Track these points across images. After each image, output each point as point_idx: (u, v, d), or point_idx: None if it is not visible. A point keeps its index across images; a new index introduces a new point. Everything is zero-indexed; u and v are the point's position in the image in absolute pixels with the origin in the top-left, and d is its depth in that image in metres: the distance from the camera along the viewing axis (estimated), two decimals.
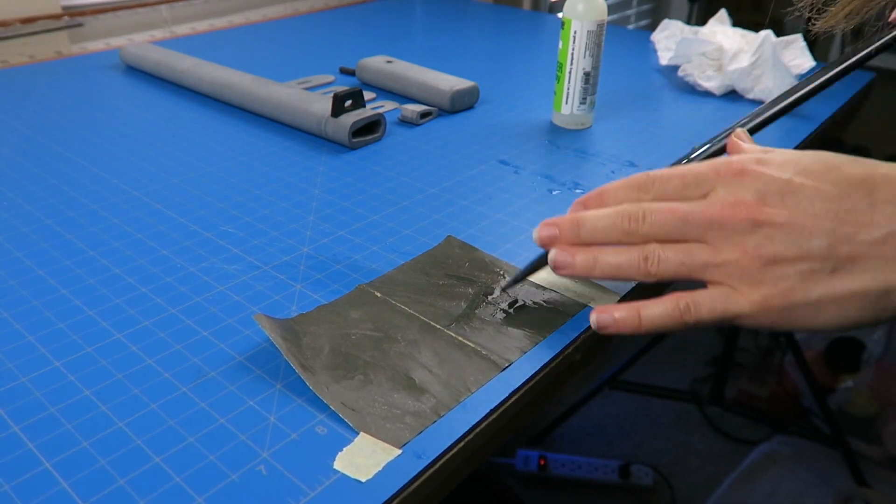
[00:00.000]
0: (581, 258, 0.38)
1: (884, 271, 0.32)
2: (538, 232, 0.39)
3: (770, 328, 0.35)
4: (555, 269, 0.39)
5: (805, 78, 0.50)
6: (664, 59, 0.89)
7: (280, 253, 0.49)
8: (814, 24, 0.38)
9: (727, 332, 1.44)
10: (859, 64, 0.49)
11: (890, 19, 0.52)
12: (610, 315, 0.37)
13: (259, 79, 0.74)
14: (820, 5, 0.36)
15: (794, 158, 0.35)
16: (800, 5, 0.36)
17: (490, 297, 0.44)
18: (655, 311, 0.36)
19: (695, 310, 0.35)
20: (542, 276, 0.45)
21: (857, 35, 0.56)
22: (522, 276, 0.44)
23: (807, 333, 1.53)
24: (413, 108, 0.71)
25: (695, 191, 0.36)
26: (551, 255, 0.39)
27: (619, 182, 0.39)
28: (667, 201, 0.37)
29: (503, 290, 0.44)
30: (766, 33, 0.76)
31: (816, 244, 0.33)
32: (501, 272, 0.46)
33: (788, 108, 0.48)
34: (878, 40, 0.48)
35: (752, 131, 0.46)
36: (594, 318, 0.37)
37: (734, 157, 0.36)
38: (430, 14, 1.16)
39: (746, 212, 0.34)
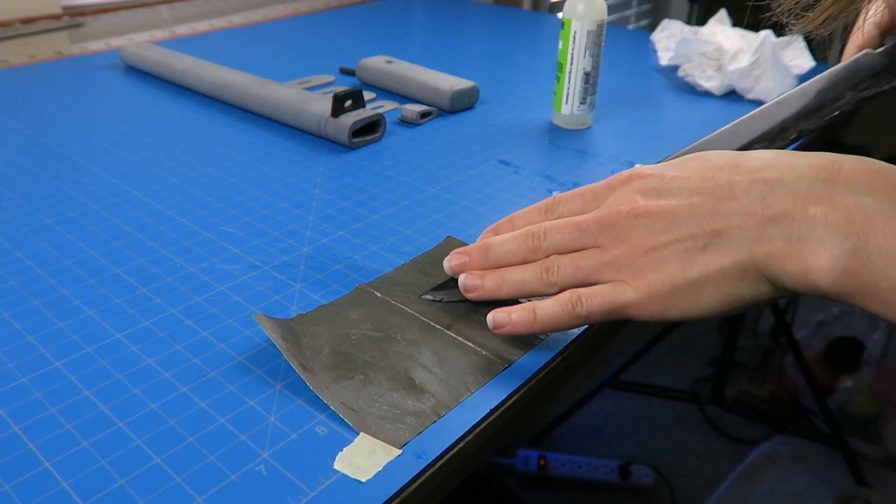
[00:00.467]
0: (489, 279, 0.41)
1: (747, 241, 0.33)
2: (449, 262, 0.42)
3: (658, 316, 0.36)
4: (465, 291, 0.41)
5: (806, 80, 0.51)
6: (664, 59, 0.89)
7: (280, 253, 0.49)
8: (791, 29, 0.39)
9: (727, 331, 1.44)
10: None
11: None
12: (507, 315, 0.39)
13: (259, 79, 0.74)
14: (798, 10, 0.37)
15: (675, 161, 0.39)
16: (777, 10, 0.37)
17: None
18: (549, 307, 0.38)
19: (586, 302, 0.37)
20: None
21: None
22: (434, 295, 0.43)
23: (807, 333, 1.54)
24: (413, 108, 0.71)
25: (593, 203, 0.40)
26: (461, 280, 0.41)
27: (528, 207, 0.43)
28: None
29: (422, 297, 0.43)
30: (766, 33, 0.76)
31: (686, 226, 0.35)
32: None
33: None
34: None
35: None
36: (490, 318, 0.39)
37: (625, 170, 0.40)
38: (430, 14, 1.16)
39: (628, 209, 0.37)
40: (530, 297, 0.41)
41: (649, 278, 0.36)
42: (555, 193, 0.42)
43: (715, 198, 0.35)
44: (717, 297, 0.35)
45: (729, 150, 0.38)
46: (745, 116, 0.49)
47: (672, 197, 0.36)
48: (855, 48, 0.58)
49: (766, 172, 0.34)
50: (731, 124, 0.48)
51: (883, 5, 0.56)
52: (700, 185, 0.36)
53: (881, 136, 1.93)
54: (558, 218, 0.40)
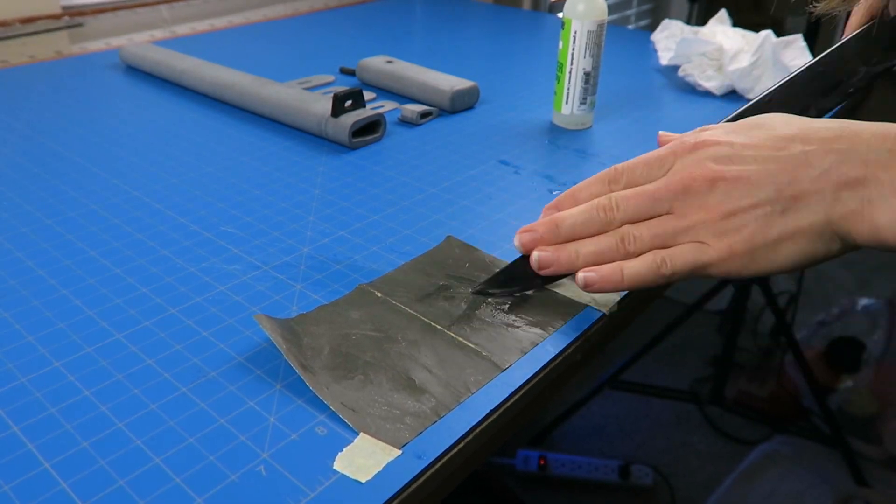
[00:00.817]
0: (564, 253, 0.41)
1: (824, 205, 0.36)
2: (519, 238, 0.43)
3: (737, 273, 0.38)
4: (540, 268, 0.42)
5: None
6: (664, 59, 0.89)
7: (280, 253, 0.49)
8: (815, 7, 0.40)
9: (727, 331, 1.44)
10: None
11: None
12: (596, 273, 0.40)
13: (259, 79, 0.74)
14: None
15: (735, 127, 0.40)
16: None
17: (465, 292, 0.43)
18: (636, 266, 0.39)
19: (671, 262, 0.39)
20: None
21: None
22: (504, 282, 0.44)
23: (807, 333, 1.53)
24: (413, 108, 0.71)
25: (658, 172, 0.40)
26: (534, 256, 0.42)
27: (588, 179, 0.43)
28: (635, 186, 0.41)
29: (485, 292, 0.43)
30: (766, 33, 0.76)
31: (766, 191, 0.37)
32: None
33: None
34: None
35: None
36: (580, 276, 0.40)
37: (687, 136, 0.41)
38: (430, 14, 1.16)
39: (703, 174, 0.38)
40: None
41: (730, 239, 0.37)
42: (614, 165, 0.42)
43: (792, 165, 0.37)
44: (793, 254, 0.37)
45: (790, 116, 0.40)
46: (759, 98, 0.48)
47: (746, 164, 0.38)
48: (859, 19, 0.57)
49: (837, 143, 0.36)
50: (749, 105, 0.48)
51: None
52: (775, 154, 0.37)
53: None
54: (623, 187, 0.41)
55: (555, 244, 0.42)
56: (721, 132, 0.40)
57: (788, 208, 0.36)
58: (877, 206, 0.34)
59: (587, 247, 0.41)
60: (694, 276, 0.39)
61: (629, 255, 0.40)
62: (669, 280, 0.39)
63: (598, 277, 0.40)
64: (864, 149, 0.35)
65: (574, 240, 0.41)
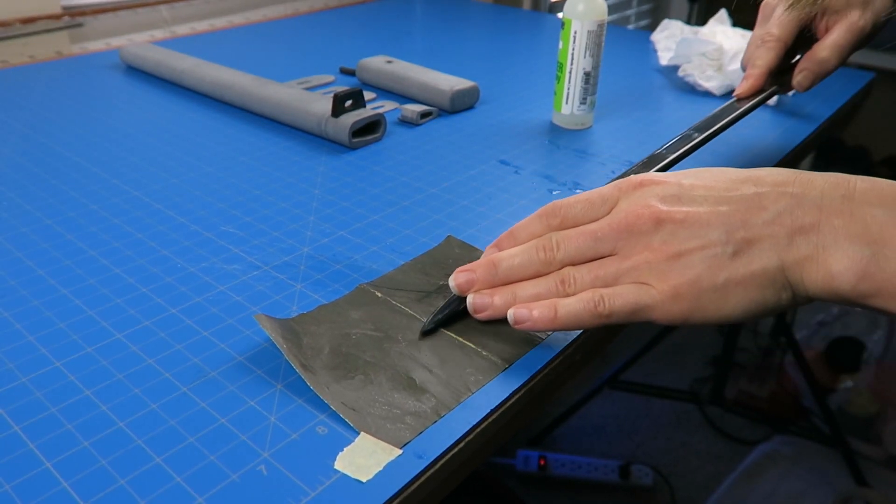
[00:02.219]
0: (499, 297, 0.39)
1: (777, 250, 0.35)
2: (454, 279, 0.41)
3: (682, 320, 0.37)
4: (474, 312, 0.40)
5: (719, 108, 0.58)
6: (664, 59, 0.89)
7: (280, 253, 0.49)
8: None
9: (727, 331, 1.44)
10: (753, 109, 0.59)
11: (735, 93, 0.61)
12: (528, 311, 0.38)
13: (259, 79, 0.74)
14: None
15: (684, 171, 0.39)
16: None
17: (402, 346, 0.39)
18: (571, 304, 0.37)
19: (609, 301, 0.37)
20: None
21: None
22: (439, 323, 0.41)
23: (807, 333, 1.54)
24: (413, 108, 0.71)
25: (600, 209, 0.39)
26: (469, 300, 0.40)
27: (527, 218, 0.41)
28: (576, 225, 0.39)
29: (423, 334, 0.40)
30: None
31: (715, 233, 0.36)
32: None
33: (698, 145, 0.53)
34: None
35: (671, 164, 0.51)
36: (511, 313, 0.38)
37: (633, 175, 0.40)
38: (430, 14, 1.16)
39: (649, 213, 0.37)
40: None
41: (675, 281, 0.36)
42: (554, 200, 0.40)
43: (744, 207, 0.36)
44: (742, 302, 0.35)
45: (733, 168, 0.39)
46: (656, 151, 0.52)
47: (695, 204, 0.36)
48: (761, 65, 0.60)
49: (790, 186, 0.36)
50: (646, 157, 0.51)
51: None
52: (726, 195, 0.36)
53: (881, 135, 1.93)
54: (562, 224, 0.40)
55: (492, 285, 0.40)
56: (671, 173, 0.39)
57: (739, 251, 0.35)
58: (831, 252, 0.34)
59: (526, 290, 0.39)
60: (634, 318, 0.37)
61: (567, 297, 0.38)
62: (608, 321, 0.37)
63: (528, 315, 0.38)
64: (818, 194, 0.35)
65: (512, 281, 0.40)
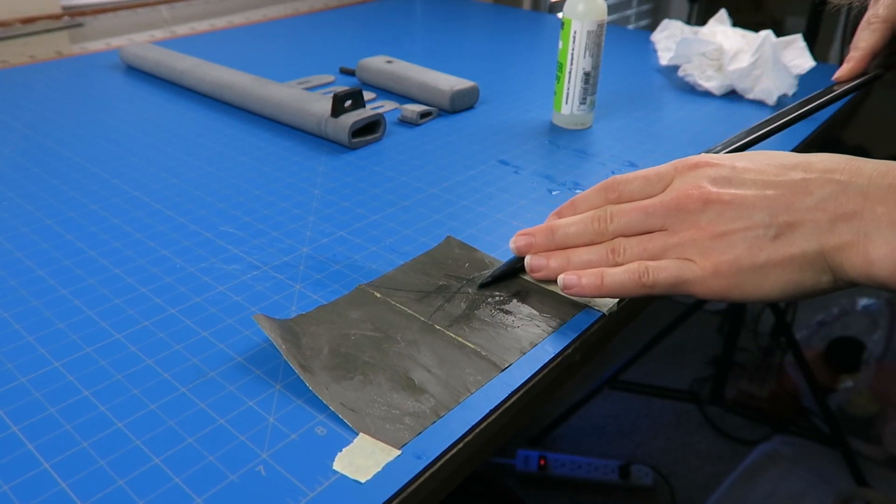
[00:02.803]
0: (555, 260, 0.42)
1: (818, 234, 0.36)
2: (514, 242, 0.44)
3: (721, 295, 0.38)
4: (531, 272, 0.43)
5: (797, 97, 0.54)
6: (664, 59, 0.89)
7: (280, 253, 0.49)
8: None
9: (727, 331, 1.44)
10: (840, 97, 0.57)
11: (835, 76, 0.60)
12: (577, 277, 0.41)
13: (259, 79, 0.74)
14: None
15: (740, 154, 0.41)
16: None
17: (461, 290, 0.44)
18: (618, 273, 0.40)
19: (652, 273, 0.39)
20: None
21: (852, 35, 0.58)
22: (498, 278, 0.45)
23: (807, 333, 1.53)
24: (413, 108, 0.71)
25: (656, 186, 0.41)
26: (527, 260, 0.43)
27: (588, 190, 0.44)
28: (632, 200, 0.41)
29: (480, 286, 0.44)
30: (766, 33, 0.76)
31: (759, 215, 0.37)
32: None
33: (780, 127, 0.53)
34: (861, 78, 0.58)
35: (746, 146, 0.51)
36: (562, 279, 0.41)
37: (690, 156, 0.41)
38: (430, 14, 1.16)
39: (698, 194, 0.38)
40: None
41: (716, 259, 0.37)
42: (614, 175, 0.43)
43: (790, 192, 0.37)
44: (780, 282, 0.37)
45: (792, 152, 0.40)
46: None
47: (744, 187, 0.38)
48: (865, 47, 0.59)
49: (838, 174, 0.36)
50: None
51: None
52: (774, 180, 0.37)
53: (881, 136, 1.93)
54: (621, 199, 0.42)
55: (548, 250, 0.43)
56: (726, 155, 0.40)
57: (781, 234, 0.36)
58: (872, 239, 0.34)
59: (579, 256, 0.42)
60: (676, 291, 0.39)
61: (617, 266, 0.40)
62: (650, 291, 0.39)
63: (577, 281, 0.41)
64: (865, 182, 0.35)
65: (567, 247, 0.42)
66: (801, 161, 0.38)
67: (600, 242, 0.41)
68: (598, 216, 0.41)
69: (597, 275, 0.40)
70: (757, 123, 0.52)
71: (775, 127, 0.52)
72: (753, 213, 0.37)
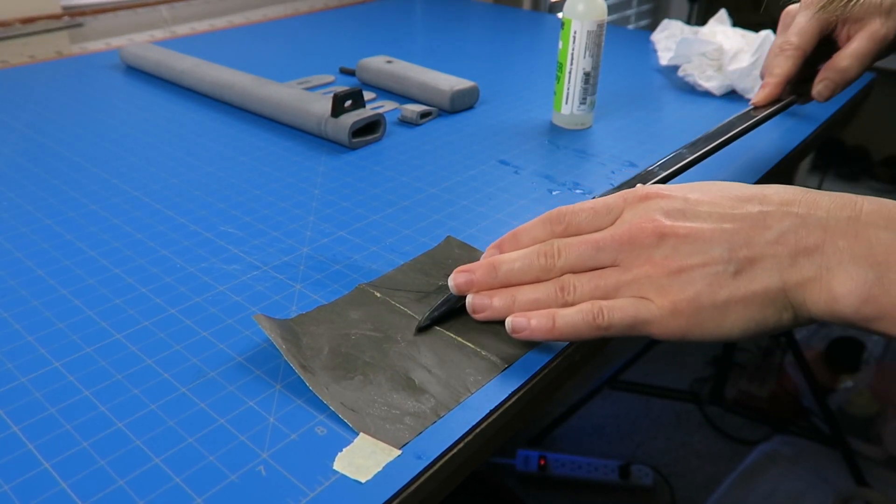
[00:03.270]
0: (498, 299, 0.39)
1: (779, 270, 0.35)
2: (453, 279, 0.41)
3: (680, 336, 0.36)
4: (473, 312, 0.40)
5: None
6: (664, 59, 0.89)
7: (280, 253, 0.49)
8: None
9: None
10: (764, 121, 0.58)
11: (752, 101, 0.60)
12: (526, 320, 0.38)
13: (259, 79, 0.74)
14: None
15: (691, 185, 0.39)
16: None
17: (401, 345, 0.39)
18: (569, 315, 0.37)
19: (607, 314, 0.36)
20: None
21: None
22: (435, 320, 0.41)
23: (807, 333, 1.53)
24: (413, 108, 0.71)
25: (605, 219, 0.39)
26: (469, 300, 0.40)
27: (531, 221, 0.41)
28: (579, 233, 0.39)
29: (418, 330, 0.40)
30: (766, 33, 0.76)
31: (718, 250, 0.35)
32: None
33: (708, 153, 0.53)
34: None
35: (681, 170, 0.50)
36: (509, 322, 0.38)
37: (639, 186, 0.40)
38: (430, 14, 1.16)
39: (652, 227, 0.37)
40: None
41: (675, 297, 0.36)
42: (559, 207, 0.40)
43: (748, 226, 0.35)
44: (741, 321, 0.35)
45: (742, 183, 0.39)
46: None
47: (700, 220, 0.36)
48: (779, 73, 0.59)
49: (796, 206, 0.35)
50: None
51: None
52: (730, 213, 0.36)
53: (881, 136, 1.93)
54: (566, 231, 0.39)
55: (491, 287, 0.40)
56: (677, 186, 0.39)
57: (741, 270, 0.35)
58: (835, 274, 0.33)
59: (525, 294, 0.39)
60: (633, 332, 0.37)
61: (566, 305, 0.38)
62: (605, 333, 0.37)
63: (526, 323, 0.38)
64: (824, 214, 0.34)
65: (511, 285, 0.39)
66: (756, 193, 0.37)
67: (547, 279, 0.39)
68: (544, 251, 0.39)
69: (548, 316, 0.37)
70: (673, 154, 0.51)
71: (697, 157, 0.51)
72: (711, 248, 0.35)
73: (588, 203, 0.40)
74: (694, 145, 0.52)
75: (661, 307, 0.36)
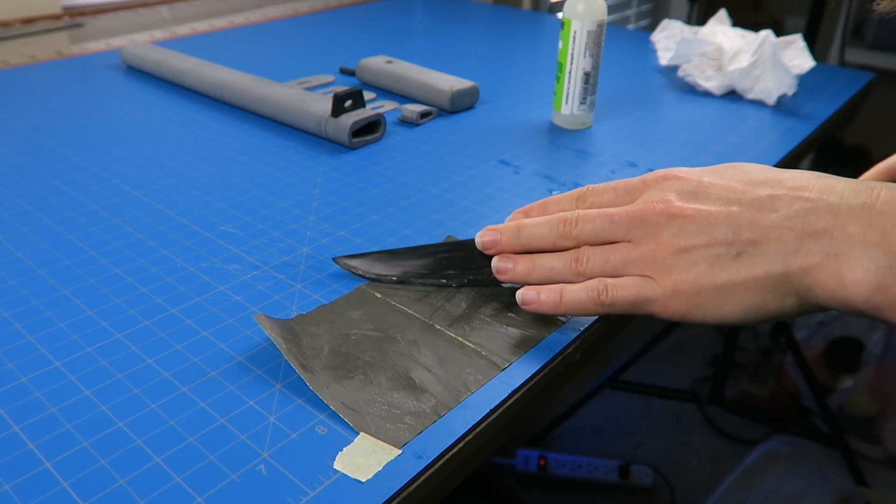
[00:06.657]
0: (521, 264, 0.41)
1: (783, 254, 0.34)
2: (481, 237, 0.43)
3: (682, 317, 0.37)
4: (497, 273, 0.42)
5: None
6: (664, 59, 0.89)
7: (280, 253, 0.49)
8: (878, 4, 0.40)
9: (727, 331, 1.44)
10: None
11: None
12: (535, 293, 0.40)
13: (259, 79, 0.74)
14: None
15: (712, 168, 0.40)
16: None
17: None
18: (576, 291, 0.39)
19: (611, 292, 0.38)
20: None
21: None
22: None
23: (807, 333, 1.53)
24: (413, 108, 0.71)
25: (625, 199, 0.41)
26: (494, 261, 0.42)
27: (561, 195, 0.44)
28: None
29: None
30: (766, 33, 0.76)
31: (721, 232, 0.36)
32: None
33: None
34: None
35: None
36: (519, 294, 0.40)
37: (660, 169, 0.41)
38: (430, 14, 1.16)
39: (662, 207, 0.38)
40: (557, 283, 0.41)
41: (677, 277, 0.36)
42: (588, 185, 0.43)
43: (755, 208, 0.35)
44: (742, 305, 0.35)
45: (767, 166, 0.39)
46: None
47: (709, 202, 0.37)
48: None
49: (808, 191, 0.35)
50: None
51: None
52: (740, 196, 0.36)
53: (881, 136, 1.93)
54: (590, 207, 0.41)
55: (514, 248, 0.42)
56: (696, 169, 0.40)
57: (743, 252, 0.35)
58: (844, 260, 0.32)
59: (544, 262, 0.41)
60: (635, 310, 0.38)
61: (580, 275, 0.39)
62: (609, 310, 0.38)
63: (536, 297, 0.40)
64: (836, 199, 0.34)
65: (532, 247, 0.41)
66: (771, 177, 0.37)
67: (563, 246, 0.40)
68: (564, 219, 0.40)
69: (556, 291, 0.39)
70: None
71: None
72: (715, 229, 0.36)
73: (612, 183, 0.42)
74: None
75: (664, 287, 0.37)
